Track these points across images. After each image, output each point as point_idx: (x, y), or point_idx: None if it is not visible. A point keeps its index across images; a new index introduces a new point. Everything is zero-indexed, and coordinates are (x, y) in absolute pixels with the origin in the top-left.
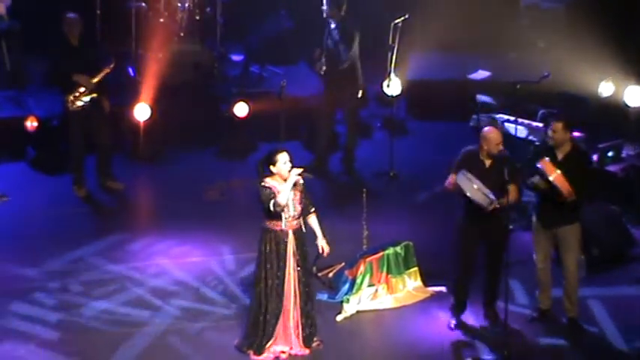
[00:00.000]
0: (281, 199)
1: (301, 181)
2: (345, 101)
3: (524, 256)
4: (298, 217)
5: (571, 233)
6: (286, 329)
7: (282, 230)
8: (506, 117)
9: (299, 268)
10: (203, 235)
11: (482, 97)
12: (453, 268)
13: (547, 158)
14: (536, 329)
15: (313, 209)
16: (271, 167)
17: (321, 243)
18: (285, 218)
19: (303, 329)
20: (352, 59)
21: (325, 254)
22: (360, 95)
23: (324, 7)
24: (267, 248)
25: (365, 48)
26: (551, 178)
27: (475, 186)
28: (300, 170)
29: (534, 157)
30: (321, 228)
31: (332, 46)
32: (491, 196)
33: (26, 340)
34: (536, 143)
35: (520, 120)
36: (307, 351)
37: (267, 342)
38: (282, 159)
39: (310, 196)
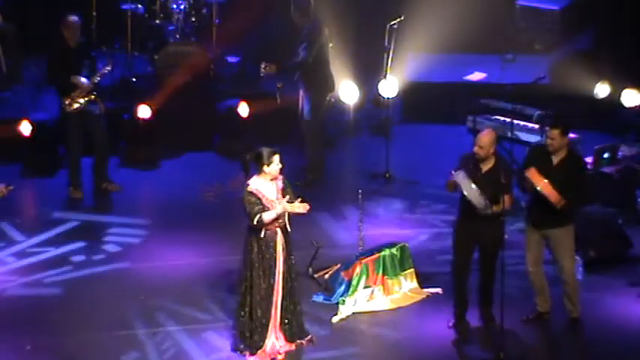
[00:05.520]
0: (267, 217)
1: (280, 182)
2: (301, 103)
3: (522, 258)
4: (284, 215)
5: (564, 235)
6: (274, 327)
7: (269, 229)
8: (502, 119)
9: (287, 264)
10: (199, 236)
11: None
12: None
13: (533, 168)
14: (532, 330)
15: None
16: (264, 167)
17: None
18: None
19: (286, 324)
20: (306, 64)
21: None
22: (316, 100)
23: (292, 13)
24: (256, 249)
25: (361, 50)
26: (538, 188)
27: (473, 186)
28: (298, 206)
29: (530, 159)
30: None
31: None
32: (487, 202)
33: None
34: (532, 144)
35: (516, 122)
36: (292, 346)
37: (261, 341)
38: (277, 160)
39: (295, 197)
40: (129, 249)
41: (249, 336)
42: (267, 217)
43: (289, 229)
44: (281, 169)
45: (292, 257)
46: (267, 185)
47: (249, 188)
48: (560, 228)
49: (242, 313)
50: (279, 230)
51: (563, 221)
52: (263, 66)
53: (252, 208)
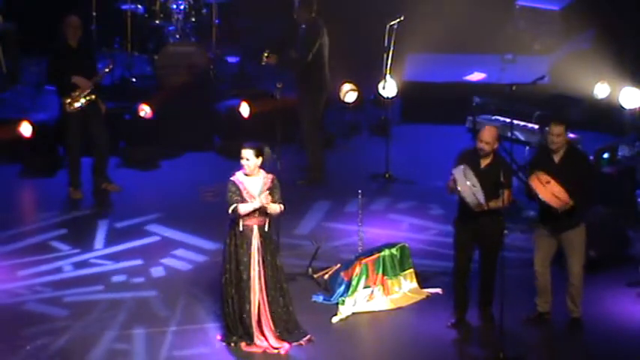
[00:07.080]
0: (242, 209)
1: (269, 181)
2: (299, 104)
3: (521, 258)
4: (264, 214)
5: (577, 236)
6: (260, 324)
7: (246, 225)
8: (502, 119)
9: (264, 264)
10: (200, 236)
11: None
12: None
13: (535, 177)
14: (532, 330)
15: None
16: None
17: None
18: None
19: (276, 326)
20: (307, 61)
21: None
22: (314, 100)
23: (295, 9)
24: (232, 242)
25: (361, 50)
26: (540, 197)
27: (468, 182)
28: (267, 200)
29: (533, 162)
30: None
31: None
32: (481, 199)
33: None
34: (533, 146)
35: (516, 122)
36: (287, 346)
37: (248, 334)
38: (243, 154)
39: (282, 195)
40: (129, 248)
41: (235, 328)
42: (243, 208)
43: (267, 230)
44: (263, 167)
45: (270, 258)
46: (251, 179)
47: (233, 178)
48: (572, 230)
49: (227, 304)
50: (255, 228)
51: (575, 223)
52: (265, 54)
53: (230, 197)
